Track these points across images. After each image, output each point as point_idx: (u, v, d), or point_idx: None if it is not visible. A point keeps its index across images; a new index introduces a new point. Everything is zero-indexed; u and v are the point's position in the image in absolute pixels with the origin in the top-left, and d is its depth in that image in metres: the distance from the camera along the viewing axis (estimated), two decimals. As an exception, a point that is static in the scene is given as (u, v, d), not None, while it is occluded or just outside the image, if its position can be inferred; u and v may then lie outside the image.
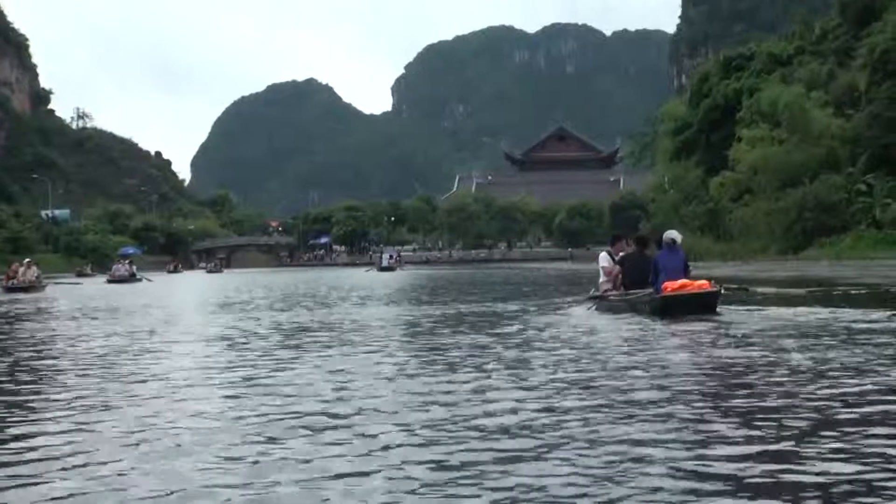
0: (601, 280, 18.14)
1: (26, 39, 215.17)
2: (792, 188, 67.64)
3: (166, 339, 14.39)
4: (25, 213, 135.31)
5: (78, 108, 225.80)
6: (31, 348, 13.56)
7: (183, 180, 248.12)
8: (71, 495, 4.72)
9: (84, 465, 5.36)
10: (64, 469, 5.29)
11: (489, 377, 8.51)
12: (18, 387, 9.06)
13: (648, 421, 6.15)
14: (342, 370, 9.34)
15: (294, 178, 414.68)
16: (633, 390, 7.45)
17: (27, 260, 45.72)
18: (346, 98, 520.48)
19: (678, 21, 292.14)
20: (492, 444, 5.59)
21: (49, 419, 7.01)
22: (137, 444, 5.86)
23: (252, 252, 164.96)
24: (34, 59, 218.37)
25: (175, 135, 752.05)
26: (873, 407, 6.42)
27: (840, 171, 67.51)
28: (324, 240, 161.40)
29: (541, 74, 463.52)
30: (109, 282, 57.34)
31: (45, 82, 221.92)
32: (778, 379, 7.81)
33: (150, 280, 60.19)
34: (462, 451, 5.46)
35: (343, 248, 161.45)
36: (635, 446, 5.39)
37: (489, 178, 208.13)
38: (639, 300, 16.00)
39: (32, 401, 8.06)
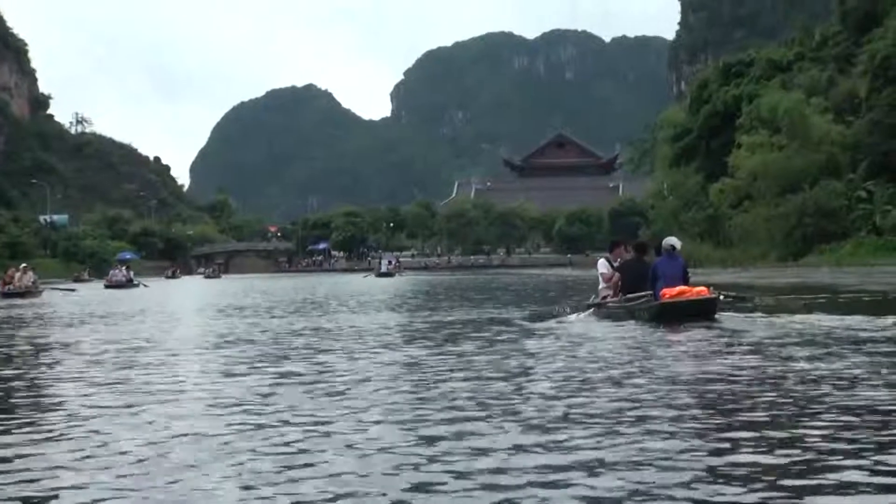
0: (601, 286, 18.04)
1: (25, 44, 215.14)
2: (792, 194, 67.63)
3: (162, 347, 14.18)
4: (24, 218, 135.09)
5: (77, 113, 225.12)
6: (26, 355, 13.34)
7: (182, 186, 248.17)
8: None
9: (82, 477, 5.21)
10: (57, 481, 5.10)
11: (487, 387, 8.31)
12: (12, 397, 8.84)
13: (652, 433, 5.96)
14: (339, 379, 9.18)
15: (293, 183, 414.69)
16: (634, 401, 7.25)
17: (23, 265, 45.54)
18: (345, 104, 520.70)
19: (677, 27, 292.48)
20: (484, 457, 5.42)
21: (41, 430, 6.82)
22: (139, 461, 5.65)
23: (251, 258, 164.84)
24: (33, 64, 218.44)
25: (174, 140, 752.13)
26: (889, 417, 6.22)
27: (840, 177, 67.49)
28: (322, 245, 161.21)
29: (540, 81, 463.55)
30: (107, 287, 57.22)
31: (44, 87, 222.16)
32: (788, 388, 7.61)
33: (146, 286, 60.03)
34: (457, 461, 5.30)
35: (342, 253, 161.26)
36: (640, 459, 5.21)
37: (488, 184, 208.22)
38: (637, 307, 15.89)
39: (24, 410, 7.90)
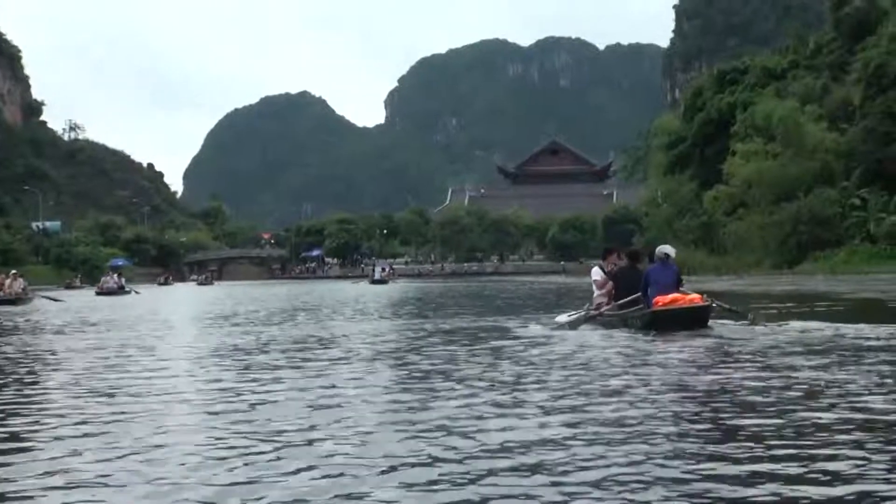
0: (595, 294, 17.93)
1: (19, 51, 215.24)
2: (786, 202, 67.55)
3: (151, 355, 14.00)
4: (16, 225, 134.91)
5: (70, 120, 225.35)
6: (15, 364, 13.15)
7: (175, 192, 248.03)
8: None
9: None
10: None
11: (480, 397, 8.17)
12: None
13: (648, 443, 5.81)
14: (332, 386, 9.04)
15: (287, 190, 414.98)
16: (632, 413, 7.09)
17: (13, 272, 45.28)
18: (339, 111, 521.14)
19: (672, 35, 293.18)
20: (479, 468, 5.30)
21: (28, 439, 6.68)
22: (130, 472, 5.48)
23: (244, 264, 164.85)
24: (26, 71, 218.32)
25: (167, 147, 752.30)
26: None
27: (834, 185, 67.45)
28: (316, 252, 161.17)
29: (534, 88, 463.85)
30: (98, 294, 57.02)
31: (37, 94, 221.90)
32: (791, 398, 7.45)
33: (137, 293, 59.91)
34: (451, 472, 5.20)
35: (335, 260, 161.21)
36: (636, 471, 5.07)
37: (482, 191, 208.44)
38: (630, 315, 15.83)
39: (12, 419, 7.72)
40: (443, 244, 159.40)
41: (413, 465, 5.45)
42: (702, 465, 5.22)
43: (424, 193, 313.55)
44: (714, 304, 15.55)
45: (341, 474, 5.24)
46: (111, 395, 8.98)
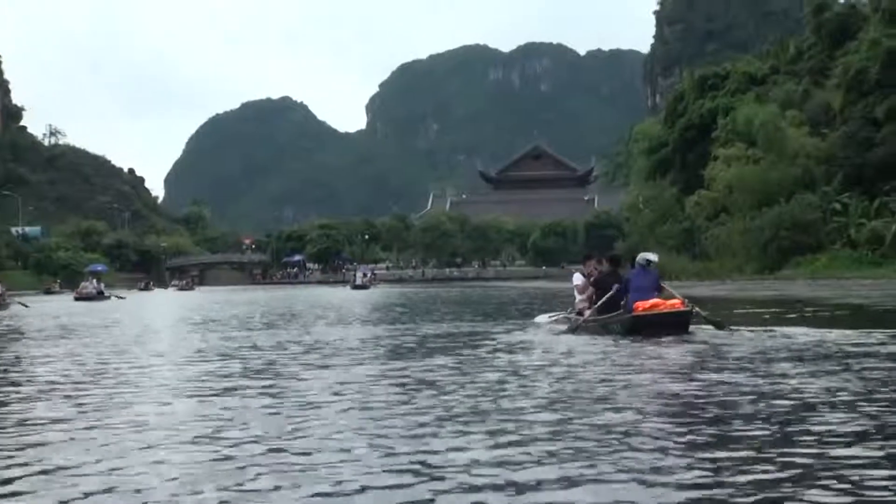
0: (577, 299, 18.05)
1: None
2: (768, 207, 67.65)
3: (127, 363, 13.79)
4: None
5: (50, 125, 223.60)
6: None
7: (156, 197, 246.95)
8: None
9: None
10: None
11: (461, 405, 8.03)
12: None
13: (634, 451, 5.71)
14: (309, 396, 8.85)
15: (268, 195, 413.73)
16: (616, 419, 6.97)
17: (-8, 277, 44.94)
18: (320, 116, 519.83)
19: (652, 41, 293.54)
20: (458, 479, 5.20)
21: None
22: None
23: (225, 270, 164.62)
24: (6, 76, 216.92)
25: (148, 152, 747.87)
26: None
27: (815, 190, 67.62)
28: (297, 258, 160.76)
29: (515, 93, 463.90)
30: (77, 299, 56.68)
31: (17, 99, 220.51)
32: (779, 406, 7.33)
33: (122, 297, 59.66)
34: (432, 483, 5.10)
35: (317, 266, 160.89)
36: (623, 478, 4.97)
37: (463, 196, 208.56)
38: (610, 320, 15.85)
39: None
40: (424, 250, 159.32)
41: (390, 474, 5.35)
42: (687, 474, 5.14)
43: (406, 199, 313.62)
44: (695, 311, 15.50)
45: (316, 485, 5.13)
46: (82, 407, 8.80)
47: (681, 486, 4.83)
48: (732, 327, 15.70)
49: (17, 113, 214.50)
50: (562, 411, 7.42)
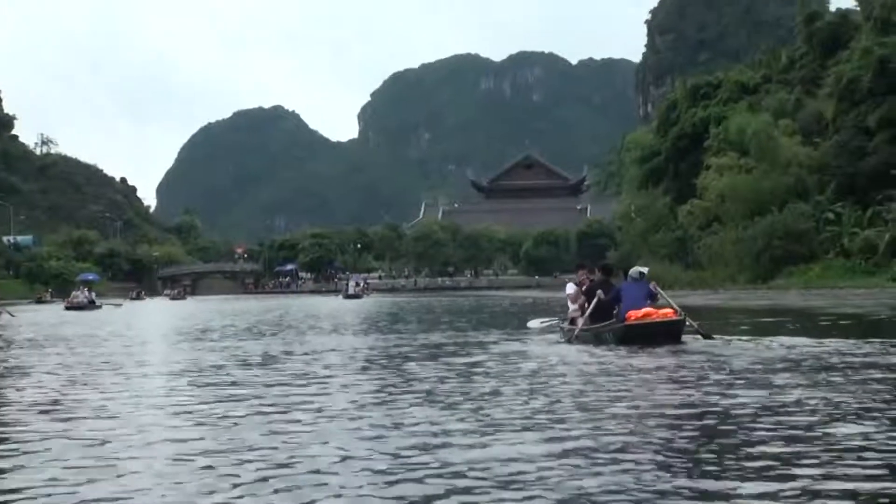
0: (570, 309, 18.15)
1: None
2: (760, 216, 67.62)
3: (118, 373, 13.64)
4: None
5: (42, 134, 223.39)
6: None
7: (148, 206, 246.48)
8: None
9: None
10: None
11: (455, 416, 7.96)
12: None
13: (629, 464, 5.60)
14: (302, 404, 8.73)
15: (260, 204, 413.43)
16: (610, 431, 6.86)
17: (-21, 286, 44.62)
18: (312, 125, 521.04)
19: (644, 50, 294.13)
20: (450, 489, 5.17)
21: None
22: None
23: (217, 279, 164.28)
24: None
25: (140, 161, 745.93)
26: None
27: (808, 199, 67.62)
28: (290, 267, 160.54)
29: (507, 102, 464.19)
30: (67, 308, 56.39)
31: (8, 108, 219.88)
32: (785, 420, 7.19)
33: (119, 304, 59.54)
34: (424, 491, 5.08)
35: (309, 275, 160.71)
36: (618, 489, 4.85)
37: (455, 205, 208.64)
38: (602, 329, 15.88)
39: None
40: (417, 259, 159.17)
41: (382, 486, 5.29)
42: (687, 483, 5.05)
43: (398, 208, 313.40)
44: (688, 322, 15.44)
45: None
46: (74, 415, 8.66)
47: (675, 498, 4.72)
48: (727, 337, 15.63)
49: (8, 122, 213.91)
50: (558, 425, 7.30)
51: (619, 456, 5.94)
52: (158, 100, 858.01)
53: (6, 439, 7.44)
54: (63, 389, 11.12)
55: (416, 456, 6.12)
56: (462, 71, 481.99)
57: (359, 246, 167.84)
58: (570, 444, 6.37)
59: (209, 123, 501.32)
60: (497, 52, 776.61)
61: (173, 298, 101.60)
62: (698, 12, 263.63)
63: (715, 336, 15.55)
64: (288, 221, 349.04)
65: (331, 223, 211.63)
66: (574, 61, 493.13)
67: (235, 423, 7.88)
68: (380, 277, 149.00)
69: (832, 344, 13.68)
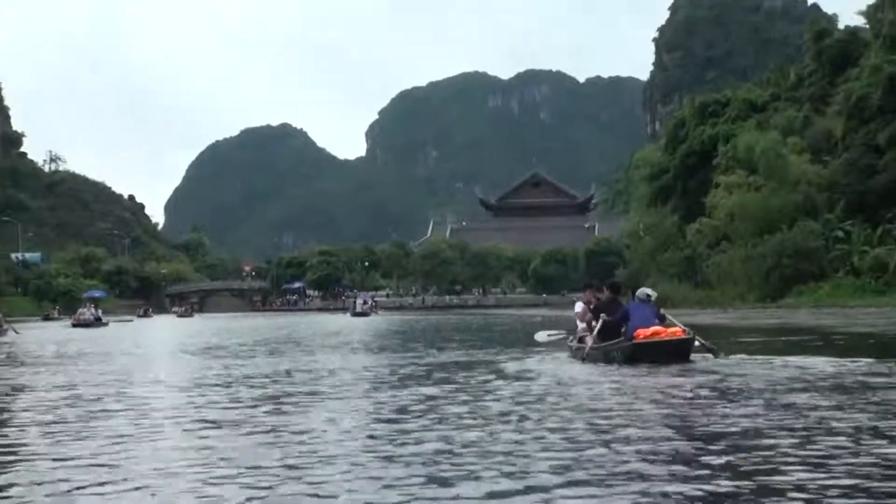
0: (579, 327, 18.10)
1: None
2: (769, 235, 67.39)
3: (124, 393, 13.49)
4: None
5: (50, 151, 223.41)
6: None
7: (156, 224, 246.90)
8: None
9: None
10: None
11: (463, 434, 7.84)
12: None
13: (643, 488, 5.42)
14: (308, 425, 8.57)
15: (268, 222, 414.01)
16: (624, 453, 6.68)
17: (-15, 303, 44.46)
18: (320, 143, 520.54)
19: (652, 68, 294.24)
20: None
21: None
22: None
23: (225, 297, 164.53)
24: (6, 102, 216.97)
25: (149, 178, 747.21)
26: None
27: (817, 217, 67.40)
28: (297, 285, 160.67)
29: (514, 120, 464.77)
30: (74, 326, 56.33)
31: (17, 125, 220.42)
32: (809, 443, 6.99)
33: (128, 321, 59.49)
34: None
35: (317, 293, 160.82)
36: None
37: (463, 223, 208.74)
38: (610, 348, 15.73)
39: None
40: (424, 277, 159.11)
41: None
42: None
43: (405, 226, 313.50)
44: (697, 342, 15.31)
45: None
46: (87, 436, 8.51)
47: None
48: (740, 356, 15.48)
49: (17, 139, 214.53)
50: (570, 445, 7.13)
51: (636, 484, 5.76)
52: (167, 118, 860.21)
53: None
54: (64, 408, 10.98)
55: (425, 477, 6.01)
56: (470, 89, 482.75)
57: (366, 264, 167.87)
58: (584, 468, 6.20)
59: (217, 141, 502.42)
60: (505, 70, 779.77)
61: (181, 316, 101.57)
62: (706, 30, 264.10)
63: (725, 354, 15.40)
64: (296, 239, 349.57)
65: (339, 241, 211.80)
66: (582, 79, 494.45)
67: (240, 442, 7.76)
68: (387, 295, 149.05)
69: (848, 364, 13.48)
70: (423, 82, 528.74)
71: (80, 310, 63.23)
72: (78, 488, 6.01)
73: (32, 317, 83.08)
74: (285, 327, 48.91)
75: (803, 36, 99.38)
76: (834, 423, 7.85)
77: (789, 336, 25.14)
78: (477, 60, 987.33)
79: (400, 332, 39.01)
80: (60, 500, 5.68)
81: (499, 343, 25.75)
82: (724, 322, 39.12)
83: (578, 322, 18.09)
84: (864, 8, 79.69)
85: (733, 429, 7.80)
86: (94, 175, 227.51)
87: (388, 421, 8.96)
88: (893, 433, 7.30)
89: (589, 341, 16.60)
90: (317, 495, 5.55)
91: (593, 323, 16.88)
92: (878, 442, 6.90)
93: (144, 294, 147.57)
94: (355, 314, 76.00)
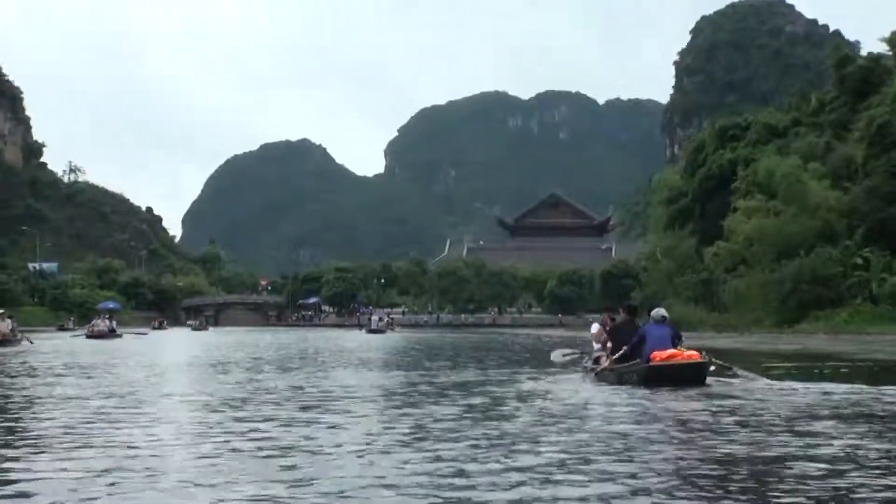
0: (595, 348, 18.31)
1: (20, 92, 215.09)
2: (788, 260, 67.04)
3: (138, 407, 13.41)
4: (12, 265, 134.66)
5: (70, 162, 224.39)
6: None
7: (174, 237, 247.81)
8: None
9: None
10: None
11: (482, 458, 7.68)
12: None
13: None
14: (322, 439, 8.53)
15: (285, 237, 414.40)
16: (642, 479, 6.53)
17: (1, 311, 44.36)
18: (339, 159, 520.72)
19: (672, 91, 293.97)
20: None
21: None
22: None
23: (240, 310, 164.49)
24: (28, 112, 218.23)
25: (167, 191, 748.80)
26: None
27: (836, 244, 66.97)
28: (313, 300, 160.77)
29: (534, 141, 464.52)
30: (88, 337, 56.27)
31: (38, 135, 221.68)
32: (834, 472, 6.83)
33: (142, 334, 59.72)
34: None
35: (332, 309, 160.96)
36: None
37: (481, 242, 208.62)
38: (626, 370, 15.70)
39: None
40: (440, 295, 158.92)
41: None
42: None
43: (423, 244, 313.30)
44: (713, 366, 15.23)
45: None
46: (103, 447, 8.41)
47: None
48: (760, 379, 15.36)
49: (37, 150, 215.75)
50: (586, 468, 6.99)
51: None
52: (186, 131, 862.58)
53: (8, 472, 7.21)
54: (75, 419, 10.90)
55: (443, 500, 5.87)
56: (489, 109, 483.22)
57: (382, 281, 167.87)
58: (604, 490, 6.07)
59: (236, 155, 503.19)
60: (525, 90, 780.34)
61: (195, 329, 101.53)
62: (727, 55, 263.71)
63: (741, 374, 15.30)
64: (313, 254, 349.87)
65: (355, 257, 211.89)
66: (601, 101, 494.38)
67: (257, 456, 7.67)
68: (403, 313, 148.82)
69: (869, 390, 13.29)
70: (442, 101, 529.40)
71: (94, 321, 63.09)
72: (88, 499, 5.93)
73: (48, 327, 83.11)
74: (301, 342, 48.86)
75: (826, 62, 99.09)
76: (861, 452, 7.67)
77: (806, 361, 24.95)
78: (497, 80, 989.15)
79: (417, 349, 38.88)
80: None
81: (515, 363, 25.69)
82: (741, 346, 38.88)
83: (595, 343, 18.23)
84: (887, 34, 79.41)
85: (754, 454, 7.66)
86: (112, 187, 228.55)
87: (406, 441, 8.84)
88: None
89: (604, 362, 16.55)
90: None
91: (608, 344, 16.83)
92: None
93: (160, 306, 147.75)
94: (371, 331, 75.76)
